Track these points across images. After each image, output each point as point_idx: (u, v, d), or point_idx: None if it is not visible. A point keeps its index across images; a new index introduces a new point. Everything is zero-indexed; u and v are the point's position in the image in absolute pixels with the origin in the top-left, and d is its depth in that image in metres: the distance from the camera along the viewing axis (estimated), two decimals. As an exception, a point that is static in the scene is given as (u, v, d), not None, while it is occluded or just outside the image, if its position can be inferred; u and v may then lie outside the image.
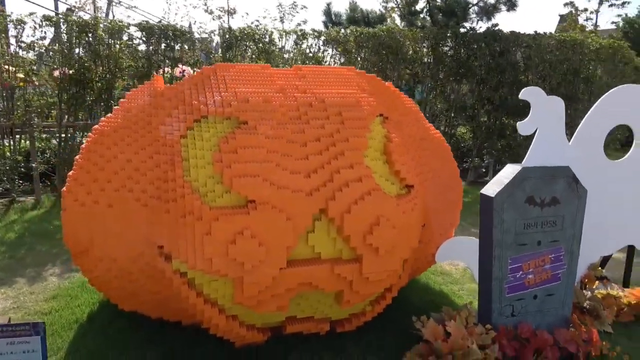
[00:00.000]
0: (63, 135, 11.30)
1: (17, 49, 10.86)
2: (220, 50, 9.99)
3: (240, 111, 4.69)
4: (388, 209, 4.56)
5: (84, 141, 11.40)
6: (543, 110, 4.06)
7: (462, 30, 11.09)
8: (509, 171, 4.09)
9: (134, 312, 5.43)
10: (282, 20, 17.00)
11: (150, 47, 11.58)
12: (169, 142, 4.74)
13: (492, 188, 4.05)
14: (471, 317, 4.09)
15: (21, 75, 10.60)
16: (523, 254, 4.10)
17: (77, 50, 10.89)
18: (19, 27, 10.64)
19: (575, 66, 10.98)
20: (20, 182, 11.26)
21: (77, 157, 5.15)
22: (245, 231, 4.23)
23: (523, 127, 4.13)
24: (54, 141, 11.57)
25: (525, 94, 4.07)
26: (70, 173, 5.05)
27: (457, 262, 6.56)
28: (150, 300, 5.05)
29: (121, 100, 5.47)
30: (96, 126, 5.31)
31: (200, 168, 4.46)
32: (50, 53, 10.94)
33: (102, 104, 11.43)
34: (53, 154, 11.68)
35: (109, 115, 5.36)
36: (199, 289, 4.48)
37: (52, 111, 11.04)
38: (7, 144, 11.01)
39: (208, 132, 4.66)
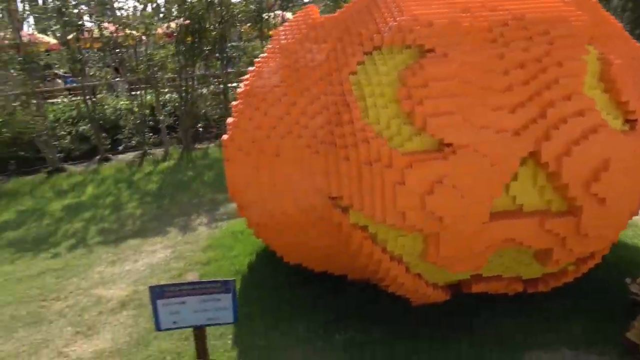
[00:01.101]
0: (183, 87, 11.58)
1: (136, 4, 11.15)
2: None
3: (424, 37, 4.12)
4: (618, 150, 3.83)
5: (204, 91, 12.02)
6: None
7: None
8: None
9: (297, 264, 5.39)
10: None
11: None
12: (336, 80, 4.38)
13: None
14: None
15: (136, 33, 10.89)
16: None
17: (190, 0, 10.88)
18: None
19: None
20: (150, 135, 11.81)
21: (234, 102, 4.99)
22: (444, 180, 3.78)
23: None
24: (175, 94, 11.95)
25: None
26: (230, 120, 4.89)
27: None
28: (320, 254, 4.94)
29: (273, 36, 5.18)
30: (252, 67, 5.09)
31: (380, 108, 4.02)
32: (166, 6, 11.08)
33: (217, 54, 11.54)
34: (175, 106, 12.10)
35: (263, 55, 5.10)
36: (382, 244, 4.22)
37: (171, 64, 11.32)
38: (134, 100, 11.57)
39: (385, 66, 4.18)
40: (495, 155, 3.69)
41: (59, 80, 13.97)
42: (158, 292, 3.77)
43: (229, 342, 4.79)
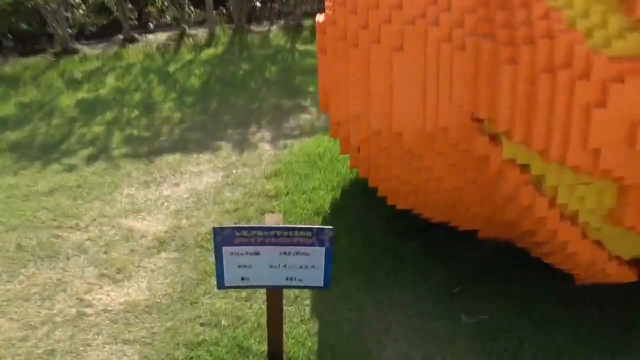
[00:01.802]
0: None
1: None
2: None
3: None
4: None
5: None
6: None
7: None
8: None
9: (408, 210, 5.32)
10: None
11: None
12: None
13: None
14: None
15: None
16: None
17: None
18: None
19: None
20: (190, 9, 11.65)
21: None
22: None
23: None
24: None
25: None
26: (328, -7, 4.65)
27: None
28: (446, 199, 4.87)
29: None
30: None
31: (573, -14, 3.71)
32: None
33: None
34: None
35: None
36: (550, 194, 4.08)
37: None
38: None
39: None
40: None
41: None
42: (226, 236, 3.68)
43: (306, 309, 4.82)
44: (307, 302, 4.86)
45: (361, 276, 5.11)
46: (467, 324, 4.67)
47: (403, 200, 5.16)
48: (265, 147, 7.32)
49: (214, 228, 3.70)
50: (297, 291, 4.88)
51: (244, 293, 4.88)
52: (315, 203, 6.02)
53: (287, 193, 6.21)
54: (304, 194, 6.17)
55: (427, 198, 4.94)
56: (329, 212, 5.88)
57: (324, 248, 3.79)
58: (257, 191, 6.30)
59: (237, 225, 3.68)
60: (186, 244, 5.57)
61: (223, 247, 3.76)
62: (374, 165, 4.91)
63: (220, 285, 3.92)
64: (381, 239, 5.52)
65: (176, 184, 6.58)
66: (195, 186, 6.50)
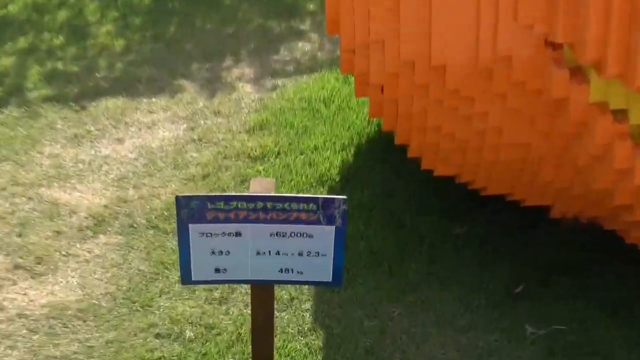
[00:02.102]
0: None
1: None
2: None
3: None
4: None
5: None
6: None
7: None
8: None
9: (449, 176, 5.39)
10: None
11: None
12: None
13: None
14: None
15: None
16: None
17: None
18: None
19: None
20: None
21: None
22: None
23: None
24: None
25: None
26: None
27: None
28: (501, 160, 4.91)
29: None
30: None
31: None
32: None
33: None
34: None
35: None
36: None
37: None
38: None
39: None
40: None
41: None
42: (195, 210, 3.66)
43: (306, 315, 4.85)
44: (307, 305, 4.89)
45: (383, 271, 5.13)
46: (534, 338, 4.68)
47: (444, 163, 5.20)
48: (247, 89, 7.34)
49: (177, 198, 3.66)
50: (293, 290, 4.91)
51: (218, 292, 4.88)
52: (318, 168, 6.04)
53: (278, 153, 6.24)
54: (301, 154, 6.20)
55: (478, 160, 4.98)
56: (337, 180, 5.91)
57: (334, 227, 3.77)
58: (234, 151, 6.33)
59: (211, 194, 3.65)
60: (135, 224, 5.59)
61: (190, 225, 3.73)
62: (404, 114, 4.94)
63: (186, 279, 3.90)
64: (412, 220, 5.55)
65: (119, 140, 6.60)
66: (147, 143, 6.52)
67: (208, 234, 3.78)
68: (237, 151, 6.28)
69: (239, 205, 3.72)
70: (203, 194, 3.68)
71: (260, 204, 3.71)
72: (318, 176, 5.93)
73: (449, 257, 5.27)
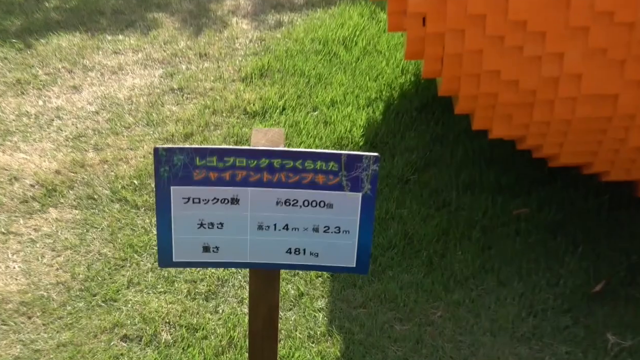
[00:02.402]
0: None
1: None
2: None
3: None
4: None
5: None
6: None
7: None
8: None
9: (509, 141, 5.46)
10: None
11: None
12: None
13: None
14: None
15: None
16: None
17: None
18: None
19: None
20: None
21: None
22: None
23: None
24: None
25: None
26: None
27: None
28: (579, 118, 4.94)
29: None
30: None
31: None
32: None
33: None
34: None
35: None
36: None
37: None
38: None
39: None
40: None
41: None
42: (178, 167, 3.65)
43: (319, 315, 4.87)
44: (321, 303, 4.91)
45: (421, 262, 5.17)
46: (618, 350, 4.70)
47: (503, 122, 5.17)
48: (243, 26, 7.42)
49: (155, 150, 3.64)
50: (303, 282, 4.95)
51: (204, 285, 4.91)
52: (336, 128, 6.07)
53: (284, 109, 6.28)
54: (314, 110, 6.25)
55: (548, 118, 4.97)
56: (360, 145, 5.92)
57: (361, 195, 3.76)
58: (226, 104, 6.36)
59: (200, 146, 3.62)
60: (95, 196, 5.61)
61: (172, 188, 3.72)
62: (451, 54, 4.91)
63: (165, 260, 3.87)
64: (458, 197, 5.60)
65: (75, 88, 6.65)
66: (112, 92, 6.57)
67: (195, 200, 3.75)
68: (230, 105, 6.29)
69: (237, 163, 3.69)
70: (190, 146, 3.63)
71: (264, 162, 3.68)
72: (336, 139, 5.93)
73: (507, 245, 5.28)
